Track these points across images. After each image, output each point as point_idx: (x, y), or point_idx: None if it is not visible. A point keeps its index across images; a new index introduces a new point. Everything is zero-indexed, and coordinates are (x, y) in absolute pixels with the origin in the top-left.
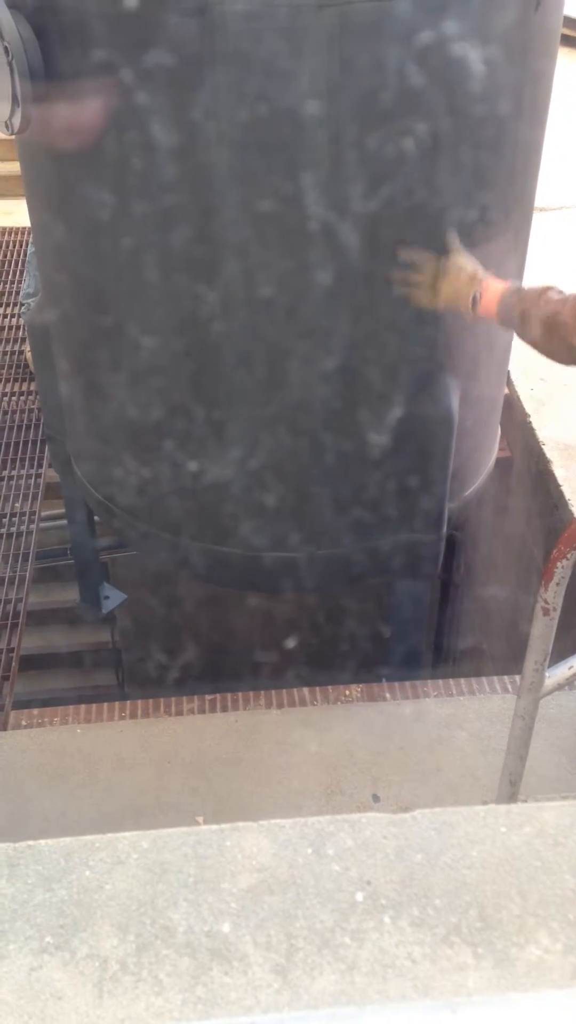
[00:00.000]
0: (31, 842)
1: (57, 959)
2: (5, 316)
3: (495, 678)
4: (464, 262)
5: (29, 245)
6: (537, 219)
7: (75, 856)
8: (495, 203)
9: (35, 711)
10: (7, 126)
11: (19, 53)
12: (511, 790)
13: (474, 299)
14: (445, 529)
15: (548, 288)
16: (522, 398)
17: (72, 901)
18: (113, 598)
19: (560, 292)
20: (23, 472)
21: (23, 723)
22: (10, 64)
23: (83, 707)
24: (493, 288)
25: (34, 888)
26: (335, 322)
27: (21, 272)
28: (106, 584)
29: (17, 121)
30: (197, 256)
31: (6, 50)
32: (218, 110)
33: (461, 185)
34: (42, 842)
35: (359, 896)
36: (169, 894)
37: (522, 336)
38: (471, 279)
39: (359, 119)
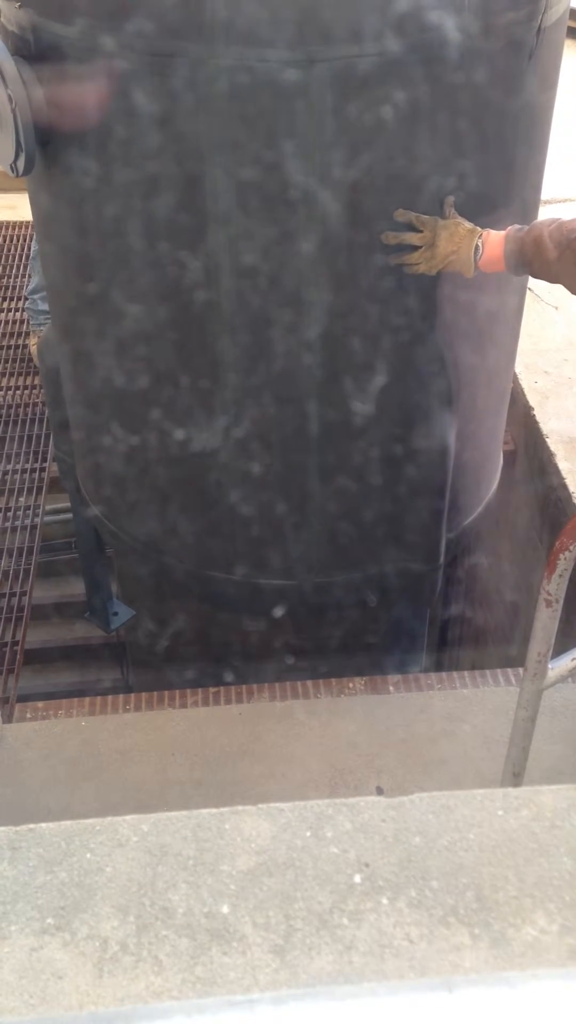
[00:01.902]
0: (32, 825)
1: (58, 940)
2: (8, 310)
3: (499, 671)
4: (461, 219)
5: (32, 240)
6: (541, 211)
7: (76, 839)
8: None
9: (39, 704)
10: (12, 169)
11: (22, 101)
12: (514, 781)
13: (476, 250)
14: (443, 559)
15: (557, 217)
16: (526, 391)
17: (73, 883)
18: (121, 614)
19: (573, 219)
20: (27, 466)
21: (27, 716)
22: (13, 111)
23: (87, 700)
24: (495, 235)
25: (35, 870)
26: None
27: (24, 266)
28: (115, 600)
29: (21, 165)
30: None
31: (10, 98)
32: (202, 81)
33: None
34: (43, 825)
35: (357, 878)
36: (169, 876)
37: (531, 267)
38: (471, 231)
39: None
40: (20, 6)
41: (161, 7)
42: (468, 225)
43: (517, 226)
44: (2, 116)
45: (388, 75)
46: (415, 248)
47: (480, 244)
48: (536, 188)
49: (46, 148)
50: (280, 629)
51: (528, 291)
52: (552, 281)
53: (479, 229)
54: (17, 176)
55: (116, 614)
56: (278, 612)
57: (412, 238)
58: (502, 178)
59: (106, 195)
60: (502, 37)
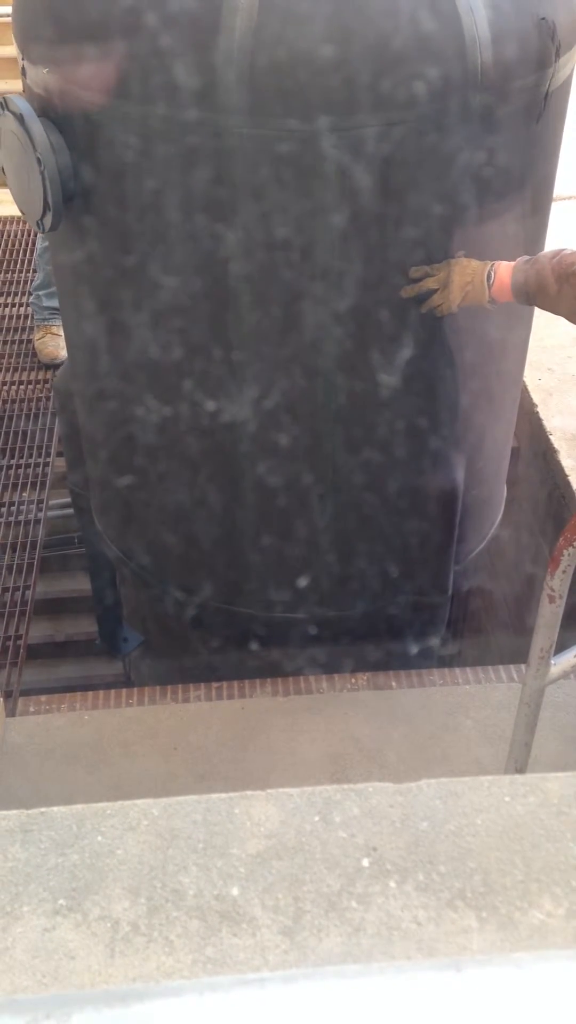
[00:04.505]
0: (44, 808)
1: (70, 921)
2: (12, 306)
3: (501, 667)
4: (470, 259)
5: (38, 237)
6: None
7: (87, 822)
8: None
9: (43, 698)
10: (39, 225)
11: (50, 163)
12: None
13: (488, 277)
14: (451, 591)
15: (562, 249)
16: (530, 388)
17: (84, 865)
18: (131, 640)
19: (574, 252)
20: (31, 460)
21: (31, 709)
22: (41, 173)
23: (90, 694)
24: (505, 265)
25: (47, 853)
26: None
27: (28, 262)
28: (125, 626)
29: (48, 222)
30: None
31: (39, 160)
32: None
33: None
34: (55, 809)
35: (365, 862)
36: (179, 859)
37: (536, 298)
38: (481, 265)
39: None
40: (48, 71)
41: (182, 76)
42: (478, 261)
43: (526, 257)
44: (31, 176)
45: (403, 142)
46: (434, 292)
47: (492, 273)
48: (541, 230)
49: (71, 204)
50: (288, 657)
51: None
52: (556, 313)
53: (490, 262)
54: (43, 232)
55: (126, 640)
56: (291, 639)
57: (428, 283)
58: (508, 239)
59: (126, 252)
60: (513, 103)
